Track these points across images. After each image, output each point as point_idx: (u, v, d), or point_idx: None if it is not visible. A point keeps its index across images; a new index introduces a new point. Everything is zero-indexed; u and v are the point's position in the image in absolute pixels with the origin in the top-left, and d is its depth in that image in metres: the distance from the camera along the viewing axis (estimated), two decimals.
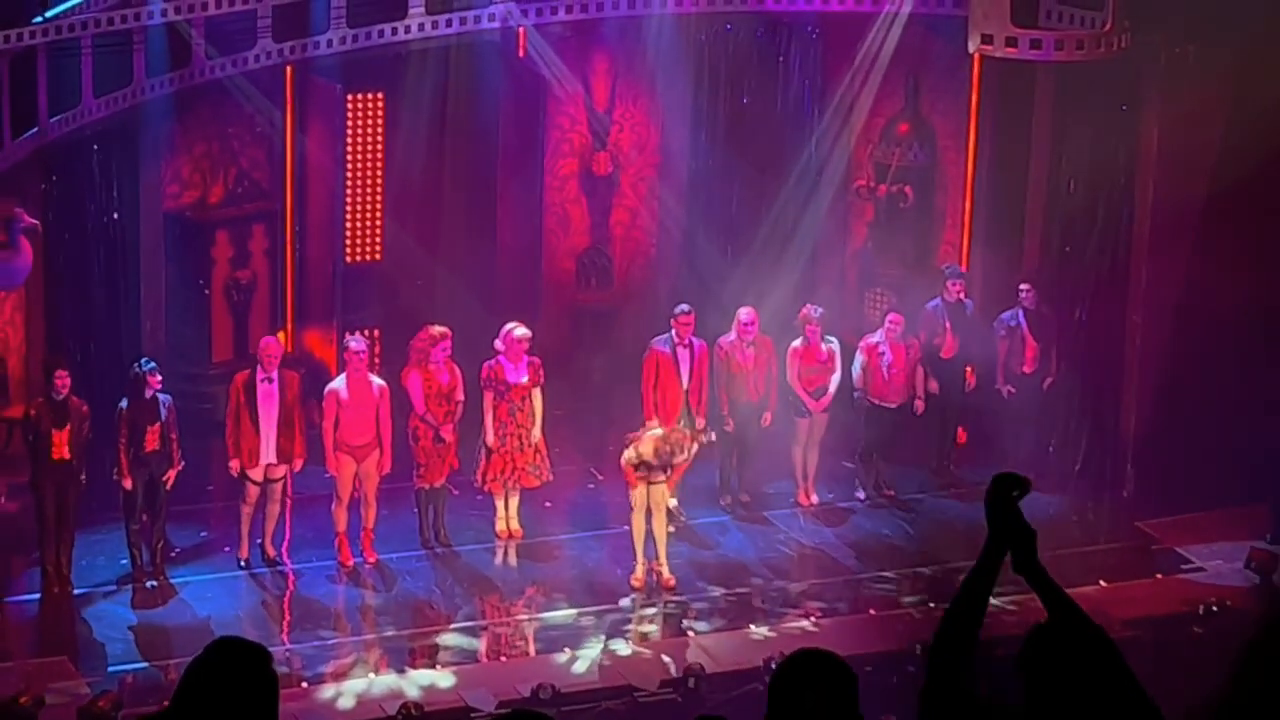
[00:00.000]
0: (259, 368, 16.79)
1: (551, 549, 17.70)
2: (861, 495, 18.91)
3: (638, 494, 16.82)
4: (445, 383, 17.23)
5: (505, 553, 17.60)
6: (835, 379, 18.53)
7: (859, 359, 18.63)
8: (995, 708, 5.26)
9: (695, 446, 16.98)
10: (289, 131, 19.61)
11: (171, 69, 18.15)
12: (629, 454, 16.77)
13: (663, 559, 16.98)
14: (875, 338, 18.71)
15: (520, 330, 17.32)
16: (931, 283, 19.47)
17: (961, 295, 19.16)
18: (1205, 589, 16.76)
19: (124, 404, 16.38)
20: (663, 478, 16.85)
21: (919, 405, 18.91)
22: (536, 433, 17.48)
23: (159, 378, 16.47)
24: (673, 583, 16.94)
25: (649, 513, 16.85)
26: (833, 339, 18.56)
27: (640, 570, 16.94)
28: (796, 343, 18.47)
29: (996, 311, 19.33)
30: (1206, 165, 18.41)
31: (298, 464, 17.02)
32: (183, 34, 18.01)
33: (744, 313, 18.26)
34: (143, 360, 16.66)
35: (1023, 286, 19.14)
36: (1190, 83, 18.28)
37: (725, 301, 18.98)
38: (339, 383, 16.98)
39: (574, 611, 16.59)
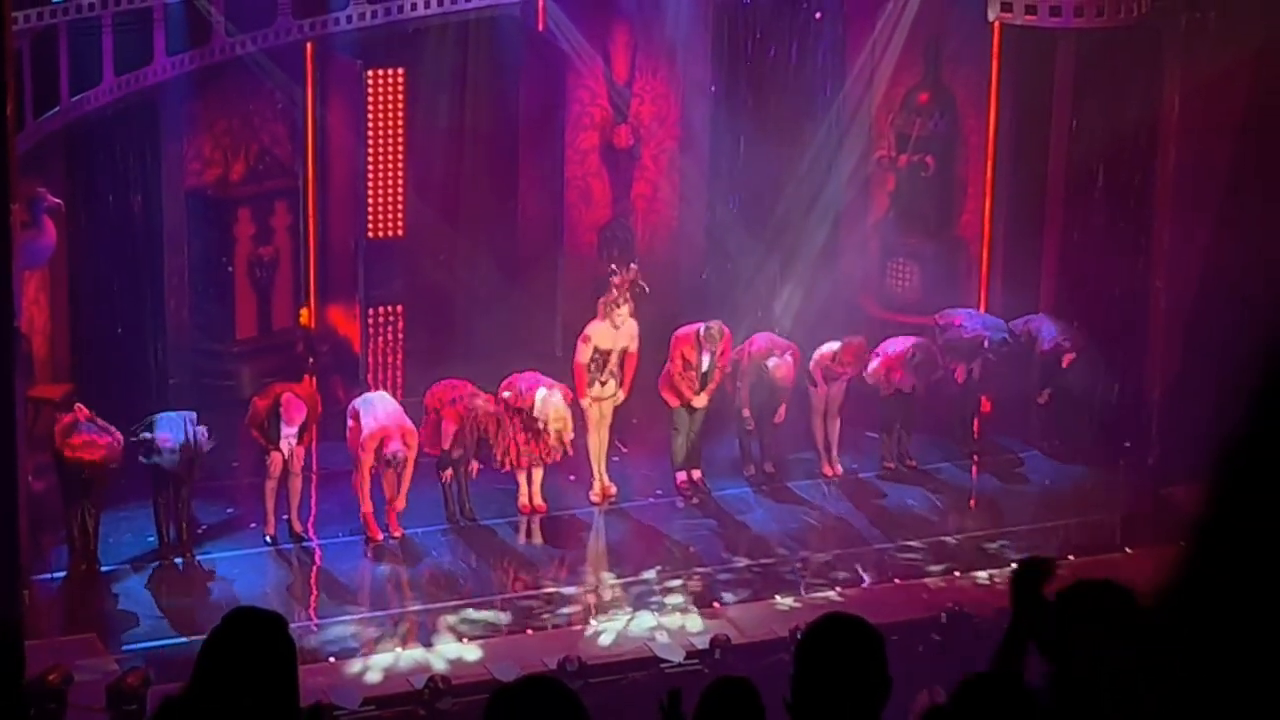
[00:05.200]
0: (282, 423, 16.66)
1: (575, 523, 17.74)
2: (890, 465, 18.88)
3: (592, 412, 17.56)
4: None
5: (529, 527, 17.62)
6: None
7: (871, 366, 18.46)
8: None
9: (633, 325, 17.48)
10: (310, 108, 19.62)
11: (191, 46, 18.12)
12: (582, 352, 17.47)
13: (602, 470, 17.87)
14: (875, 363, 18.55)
15: None
16: (953, 252, 19.41)
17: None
18: None
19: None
20: (613, 392, 17.59)
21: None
22: None
23: (166, 434, 16.37)
24: (613, 491, 17.75)
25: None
26: (835, 343, 18.39)
27: (598, 486, 17.64)
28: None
29: (1017, 286, 19.27)
30: (1228, 130, 18.36)
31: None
32: (202, 11, 17.99)
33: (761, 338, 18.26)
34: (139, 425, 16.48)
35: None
36: (1211, 48, 18.23)
37: (748, 276, 18.94)
38: (370, 398, 17.08)
39: (599, 584, 16.65)
